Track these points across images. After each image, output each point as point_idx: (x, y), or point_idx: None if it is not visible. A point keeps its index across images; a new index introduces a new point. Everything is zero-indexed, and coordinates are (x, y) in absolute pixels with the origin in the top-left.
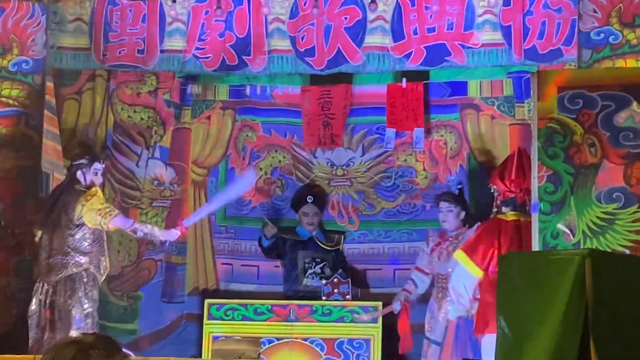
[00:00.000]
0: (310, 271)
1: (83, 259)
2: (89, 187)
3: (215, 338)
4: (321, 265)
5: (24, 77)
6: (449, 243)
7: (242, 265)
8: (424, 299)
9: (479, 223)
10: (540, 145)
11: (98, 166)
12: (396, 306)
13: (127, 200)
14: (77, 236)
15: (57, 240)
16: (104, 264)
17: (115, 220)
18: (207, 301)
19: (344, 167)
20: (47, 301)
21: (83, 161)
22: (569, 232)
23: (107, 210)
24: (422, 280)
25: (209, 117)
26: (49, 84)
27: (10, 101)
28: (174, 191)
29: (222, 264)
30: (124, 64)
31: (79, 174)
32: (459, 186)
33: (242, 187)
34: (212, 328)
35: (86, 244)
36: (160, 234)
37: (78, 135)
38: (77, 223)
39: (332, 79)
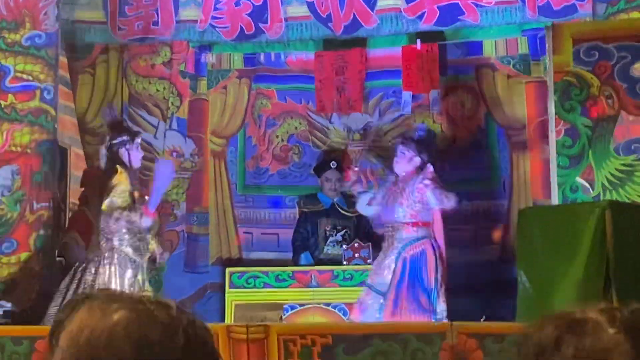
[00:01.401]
0: (331, 239)
1: (117, 241)
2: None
3: (237, 307)
4: (342, 232)
5: (37, 51)
6: (396, 188)
7: (262, 233)
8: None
9: (429, 165)
10: (556, 99)
11: (139, 141)
12: None
13: (146, 172)
14: (109, 219)
15: (102, 221)
16: (146, 245)
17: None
18: (228, 270)
19: (361, 132)
20: (82, 280)
21: (124, 138)
22: (587, 185)
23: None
24: None
25: (225, 87)
26: (63, 59)
27: (25, 75)
28: (194, 162)
29: (243, 232)
30: (141, 37)
31: (121, 151)
32: (421, 133)
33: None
34: (234, 296)
35: (123, 224)
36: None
37: (101, 114)
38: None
39: (346, 44)
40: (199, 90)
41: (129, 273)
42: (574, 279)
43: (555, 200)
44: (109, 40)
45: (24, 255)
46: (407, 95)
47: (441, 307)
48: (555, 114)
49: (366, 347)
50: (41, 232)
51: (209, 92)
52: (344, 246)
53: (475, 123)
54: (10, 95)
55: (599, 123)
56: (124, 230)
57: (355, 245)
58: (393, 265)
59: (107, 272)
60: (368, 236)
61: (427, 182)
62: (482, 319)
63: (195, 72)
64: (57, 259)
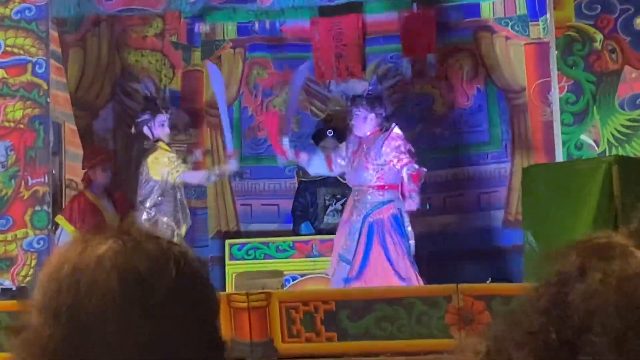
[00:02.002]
0: (331, 208)
1: (152, 213)
2: (157, 141)
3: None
4: (342, 201)
5: (28, 24)
6: (361, 151)
7: (262, 204)
8: None
9: (394, 124)
10: (559, 55)
11: (163, 117)
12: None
13: (140, 146)
14: (145, 190)
15: (143, 192)
16: (180, 217)
17: (184, 176)
18: (227, 242)
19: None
20: None
21: (146, 116)
22: (592, 142)
23: (175, 166)
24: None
25: (219, 57)
26: (54, 33)
27: (16, 50)
28: (189, 134)
29: (241, 204)
30: (130, 8)
31: (145, 129)
32: (370, 88)
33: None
34: (234, 268)
35: (155, 196)
36: (224, 168)
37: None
38: (146, 178)
39: (341, 10)
40: (193, 61)
41: None
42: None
43: (559, 158)
44: (98, 12)
45: (19, 232)
46: (406, 61)
47: (410, 273)
48: (558, 70)
49: (370, 312)
50: (37, 208)
51: (204, 63)
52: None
53: (475, 86)
54: (1, 70)
55: (602, 78)
56: (161, 199)
57: None
58: (358, 232)
59: None
60: None
61: (403, 158)
62: (488, 281)
63: (188, 42)
64: None
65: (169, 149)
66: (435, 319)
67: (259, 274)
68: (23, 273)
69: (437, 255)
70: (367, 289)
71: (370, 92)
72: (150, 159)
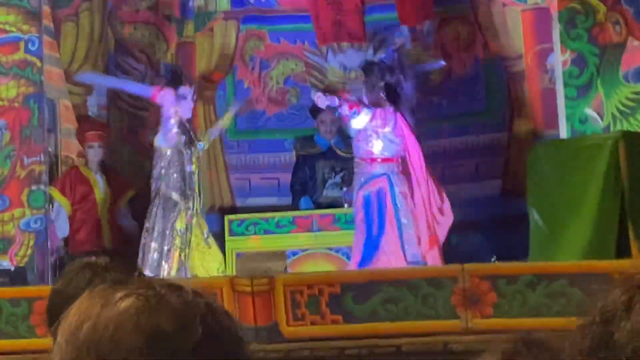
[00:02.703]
0: (330, 181)
1: (159, 184)
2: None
3: (238, 254)
4: (341, 174)
5: (19, 1)
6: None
7: (261, 178)
8: None
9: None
10: (562, 28)
11: (184, 90)
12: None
13: (135, 121)
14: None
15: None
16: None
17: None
18: (226, 217)
19: (357, 69)
20: None
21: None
22: (596, 115)
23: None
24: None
25: (211, 29)
26: (46, 8)
27: (7, 27)
28: None
29: (237, 179)
30: None
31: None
32: (383, 56)
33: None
34: (234, 244)
35: (159, 168)
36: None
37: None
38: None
39: None
40: (186, 34)
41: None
42: (588, 214)
43: (563, 132)
44: None
45: (17, 212)
46: (404, 29)
47: (411, 249)
48: (561, 43)
49: (375, 294)
50: (33, 187)
51: (196, 35)
52: (344, 188)
53: (472, 54)
54: None
55: (606, 50)
56: (174, 172)
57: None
58: (355, 204)
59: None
60: None
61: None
62: (492, 260)
63: (181, 15)
64: None
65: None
66: (441, 299)
67: (261, 256)
68: (21, 253)
69: None
70: (372, 270)
71: (383, 61)
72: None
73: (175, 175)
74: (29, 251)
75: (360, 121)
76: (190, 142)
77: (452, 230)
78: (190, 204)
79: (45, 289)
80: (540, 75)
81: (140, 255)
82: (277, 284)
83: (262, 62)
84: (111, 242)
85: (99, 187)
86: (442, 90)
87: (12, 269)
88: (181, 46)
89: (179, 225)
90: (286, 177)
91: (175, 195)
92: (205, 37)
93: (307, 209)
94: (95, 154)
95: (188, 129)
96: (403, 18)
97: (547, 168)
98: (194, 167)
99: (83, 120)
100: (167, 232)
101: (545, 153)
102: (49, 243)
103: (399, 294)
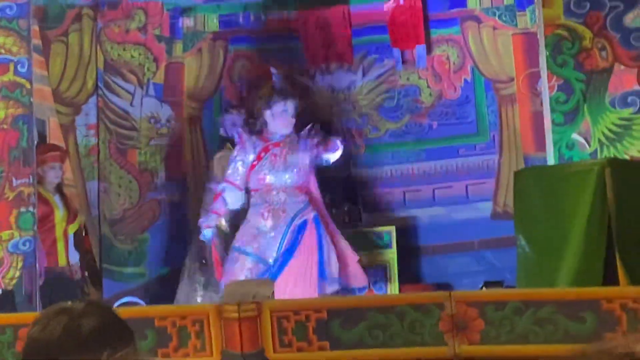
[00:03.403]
0: None
1: None
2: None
3: None
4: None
5: (9, 22)
6: (281, 148)
7: None
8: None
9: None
10: (548, 55)
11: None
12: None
13: (123, 141)
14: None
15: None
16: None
17: None
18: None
19: (345, 91)
20: None
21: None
22: (584, 141)
23: None
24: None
25: (200, 49)
26: (36, 28)
27: None
28: (170, 128)
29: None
30: (113, 1)
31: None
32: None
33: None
34: None
35: None
36: None
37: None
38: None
39: (327, 1)
40: (175, 54)
41: None
42: (575, 242)
43: (551, 158)
44: (79, 3)
45: (5, 234)
46: (396, 52)
47: (332, 279)
48: (548, 69)
49: (362, 320)
50: (22, 209)
51: (185, 55)
52: (334, 210)
53: (462, 77)
54: None
55: (593, 76)
56: None
57: (345, 209)
58: (281, 234)
59: None
60: (355, 198)
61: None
62: (481, 287)
63: (170, 35)
64: None
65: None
66: (429, 326)
67: (248, 282)
68: (9, 276)
69: (426, 248)
70: (359, 297)
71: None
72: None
73: None
74: (17, 273)
75: None
76: None
77: (443, 251)
78: None
79: (30, 316)
80: (531, 99)
81: None
82: (264, 310)
83: (250, 82)
84: (66, 263)
85: (59, 208)
86: (432, 112)
87: (0, 291)
88: (170, 66)
89: None
90: None
91: None
92: (193, 58)
93: None
94: (55, 175)
95: None
96: (394, 41)
97: (534, 194)
98: None
99: (42, 143)
100: None
101: (532, 179)
102: (37, 265)
103: (386, 320)
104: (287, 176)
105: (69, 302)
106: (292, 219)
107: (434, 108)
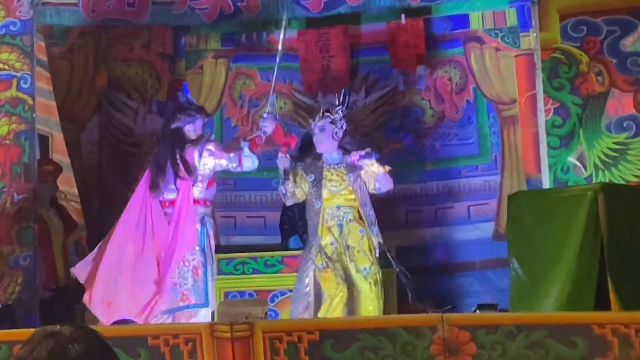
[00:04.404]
0: None
1: None
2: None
3: (226, 294)
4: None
5: (13, 39)
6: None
7: (247, 217)
8: None
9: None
10: (545, 78)
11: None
12: None
13: (126, 157)
14: None
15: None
16: None
17: None
18: (216, 256)
19: (347, 111)
20: None
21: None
22: (580, 165)
23: None
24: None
25: (201, 67)
26: (40, 43)
27: (0, 65)
28: None
29: (222, 216)
30: (116, 19)
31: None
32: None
33: None
34: (222, 284)
35: None
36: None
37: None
38: None
39: (329, 21)
40: (178, 71)
41: None
42: (567, 266)
43: (546, 181)
44: (82, 23)
45: (5, 249)
46: (396, 72)
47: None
48: (544, 92)
49: (354, 342)
50: (23, 224)
51: (187, 73)
52: None
53: (464, 98)
54: None
55: (589, 101)
56: None
57: None
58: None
59: None
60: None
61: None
62: (474, 310)
63: (174, 53)
64: None
65: None
66: (421, 349)
67: (242, 301)
68: (9, 290)
69: (427, 268)
70: (351, 318)
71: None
72: None
73: None
74: (17, 288)
75: None
76: None
77: (444, 272)
78: None
79: (25, 332)
80: (533, 120)
81: None
82: (256, 330)
83: (252, 100)
84: (65, 280)
85: (54, 223)
86: (434, 133)
87: (0, 305)
88: (173, 84)
89: None
90: (272, 216)
91: None
92: (195, 75)
93: (296, 249)
94: (49, 189)
95: None
96: (395, 61)
97: (528, 218)
98: None
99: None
100: None
101: (526, 202)
102: (37, 280)
103: (378, 342)
104: None
105: (58, 326)
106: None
107: (436, 129)
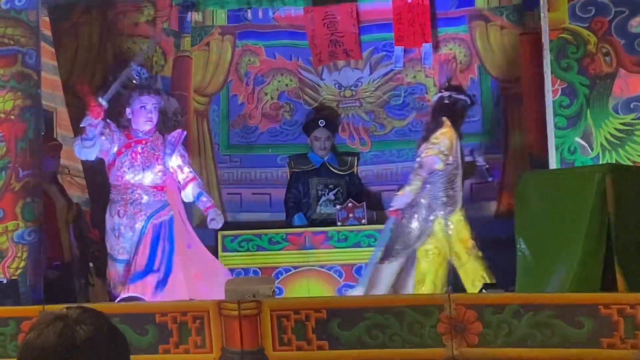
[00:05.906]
0: (323, 198)
1: None
2: None
3: (231, 271)
4: (334, 191)
5: (18, 14)
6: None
7: (252, 193)
8: None
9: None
10: (552, 58)
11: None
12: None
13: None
14: None
15: None
16: None
17: None
18: (220, 233)
19: (352, 88)
20: None
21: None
22: (586, 145)
23: None
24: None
25: (208, 44)
26: (45, 19)
27: (6, 40)
28: (177, 121)
29: (228, 193)
30: None
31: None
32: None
33: None
34: (227, 260)
35: None
36: None
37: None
38: None
39: None
40: (183, 48)
41: None
42: (574, 247)
43: (553, 162)
44: None
45: (10, 224)
46: (398, 49)
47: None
48: (552, 72)
49: (361, 320)
50: (28, 200)
51: (193, 49)
52: (338, 206)
53: (468, 76)
54: None
55: (596, 81)
56: None
57: (349, 205)
58: (139, 233)
59: None
60: (360, 194)
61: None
62: (480, 290)
63: (179, 29)
64: None
65: None
66: (428, 327)
67: (250, 280)
68: (14, 266)
69: None
70: (359, 297)
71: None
72: None
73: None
74: (22, 264)
75: None
76: None
77: None
78: None
79: (33, 309)
80: (538, 99)
81: None
82: (264, 308)
83: (257, 77)
84: (70, 254)
85: (59, 199)
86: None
87: (5, 281)
88: (178, 60)
89: None
90: (278, 193)
91: None
92: (201, 52)
93: (300, 226)
94: (54, 165)
95: None
96: (400, 39)
97: (535, 198)
98: None
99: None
100: None
101: (534, 183)
102: (42, 256)
103: (385, 321)
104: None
105: (64, 309)
106: (149, 219)
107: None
